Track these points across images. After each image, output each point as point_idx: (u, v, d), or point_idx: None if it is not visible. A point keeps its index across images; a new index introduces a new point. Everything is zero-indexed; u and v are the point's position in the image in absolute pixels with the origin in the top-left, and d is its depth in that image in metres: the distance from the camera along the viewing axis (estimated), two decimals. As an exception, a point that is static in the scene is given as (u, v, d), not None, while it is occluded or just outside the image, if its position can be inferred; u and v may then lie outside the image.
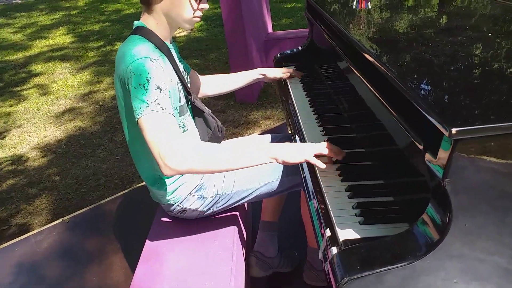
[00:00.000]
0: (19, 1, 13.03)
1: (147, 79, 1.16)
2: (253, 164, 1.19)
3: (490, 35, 1.18)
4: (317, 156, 1.19)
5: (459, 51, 1.07)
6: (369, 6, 1.73)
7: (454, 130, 0.70)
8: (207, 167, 1.16)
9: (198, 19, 1.33)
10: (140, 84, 1.16)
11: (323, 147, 1.20)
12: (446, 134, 0.71)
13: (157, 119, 1.15)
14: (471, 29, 1.26)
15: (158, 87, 1.17)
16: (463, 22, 1.37)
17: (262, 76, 1.83)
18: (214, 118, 1.56)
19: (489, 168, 0.75)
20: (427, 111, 0.77)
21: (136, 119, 1.16)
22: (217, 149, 1.19)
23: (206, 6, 1.33)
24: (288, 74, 1.89)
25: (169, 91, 1.24)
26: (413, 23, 1.42)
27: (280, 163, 1.20)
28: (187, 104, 1.45)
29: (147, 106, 1.15)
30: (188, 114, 1.44)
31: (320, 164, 1.17)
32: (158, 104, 1.16)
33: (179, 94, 1.35)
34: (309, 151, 1.19)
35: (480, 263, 0.82)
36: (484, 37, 1.18)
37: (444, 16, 1.51)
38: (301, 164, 1.31)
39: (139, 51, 1.20)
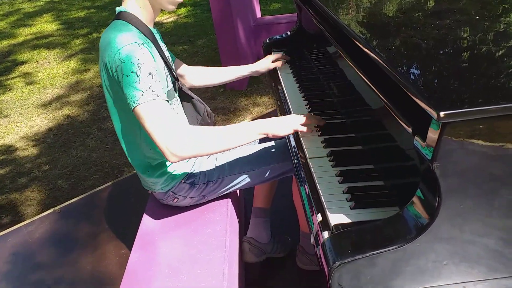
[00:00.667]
0: (0, -12, 12.67)
1: (138, 66, 1.15)
2: (248, 141, 1.25)
3: (478, 18, 1.19)
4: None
5: (447, 35, 1.07)
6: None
7: (442, 114, 0.70)
8: (208, 149, 1.22)
9: (180, 0, 1.32)
10: (132, 72, 1.15)
11: (305, 118, 1.30)
12: (435, 117, 0.71)
13: (154, 107, 1.15)
14: (459, 12, 1.26)
15: (150, 73, 1.16)
16: (451, 5, 1.37)
17: (253, 73, 1.80)
18: (203, 104, 1.55)
19: (478, 151, 0.76)
20: (415, 94, 0.78)
21: (132, 107, 1.16)
22: (214, 131, 1.23)
23: None
24: (280, 62, 1.86)
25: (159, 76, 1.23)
26: (401, 6, 1.41)
27: (271, 137, 1.28)
28: (175, 90, 1.44)
29: (142, 94, 1.14)
30: (176, 99, 1.43)
31: (307, 129, 1.29)
32: (152, 91, 1.16)
33: (166, 79, 1.34)
34: (295, 122, 1.29)
35: (470, 245, 0.84)
36: (472, 20, 1.18)
37: (433, 1, 1.51)
38: (292, 150, 1.32)
39: (125, 37, 1.18)
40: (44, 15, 7.70)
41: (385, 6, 1.44)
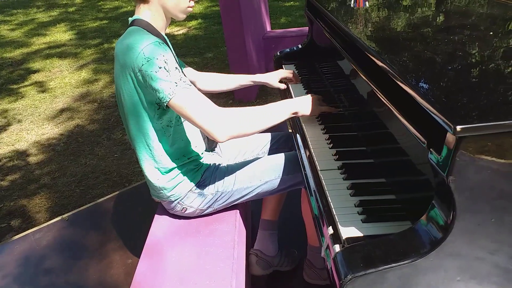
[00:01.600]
0: (17, -2, 12.96)
1: (165, 61, 1.19)
2: (281, 119, 1.35)
3: (490, 34, 1.19)
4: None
5: (460, 50, 1.07)
6: (367, 5, 1.73)
7: (458, 128, 0.70)
8: (249, 128, 1.29)
9: (191, 9, 1.38)
10: (160, 68, 1.18)
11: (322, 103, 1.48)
12: (451, 131, 0.71)
13: (191, 95, 1.22)
14: (470, 28, 1.26)
15: (176, 67, 1.22)
16: (462, 21, 1.37)
17: (263, 83, 1.81)
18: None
19: (494, 166, 0.75)
20: (431, 108, 0.77)
21: (168, 100, 1.20)
22: (251, 111, 1.31)
23: None
24: (291, 76, 1.85)
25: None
26: (413, 21, 1.42)
27: (300, 116, 1.44)
28: None
29: (176, 85, 1.19)
30: None
31: (332, 109, 1.48)
32: (183, 81, 1.22)
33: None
34: (319, 103, 1.46)
35: (482, 263, 0.82)
36: (484, 35, 1.18)
37: (442, 15, 1.52)
38: (302, 162, 1.31)
39: (145, 38, 1.22)
40: (58, 25, 7.85)
41: (397, 20, 1.45)
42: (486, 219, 0.79)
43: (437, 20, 1.45)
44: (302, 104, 1.41)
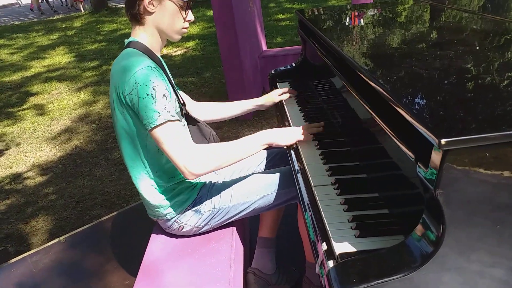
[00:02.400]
0: (16, 22, 13.18)
1: (153, 88, 1.21)
2: (255, 151, 1.38)
3: (478, 49, 1.21)
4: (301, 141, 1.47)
5: (449, 65, 1.10)
6: (362, 23, 1.77)
7: (443, 141, 0.71)
8: (222, 164, 1.30)
9: (186, 30, 1.41)
10: (148, 94, 1.20)
11: (303, 130, 1.46)
12: (436, 144, 0.72)
13: (171, 127, 1.23)
14: (460, 44, 1.29)
15: (163, 95, 1.23)
16: (452, 36, 1.40)
17: (259, 107, 1.83)
18: (208, 128, 1.59)
19: (482, 179, 0.76)
20: (417, 122, 0.79)
21: (149, 128, 1.22)
22: (225, 146, 1.33)
23: (192, 18, 1.41)
24: (286, 95, 1.87)
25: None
26: (403, 38, 1.45)
27: (274, 147, 1.43)
28: (182, 115, 1.47)
29: (159, 115, 1.21)
30: (183, 124, 1.46)
31: (305, 137, 1.45)
32: (168, 112, 1.22)
33: (176, 102, 1.38)
34: (296, 133, 1.45)
35: (477, 276, 0.82)
36: (473, 51, 1.21)
37: (434, 31, 1.55)
38: (297, 178, 1.32)
39: (138, 62, 1.24)
40: (57, 48, 7.96)
41: (387, 37, 1.48)
42: (481, 232, 0.79)
43: (426, 36, 1.48)
44: (275, 135, 1.41)
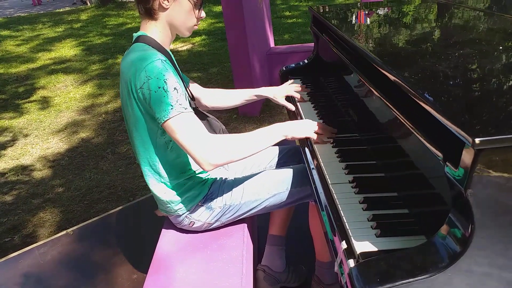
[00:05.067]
0: (22, 14, 13.18)
1: (164, 81, 1.19)
2: (271, 143, 1.35)
3: (502, 48, 1.19)
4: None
5: (472, 63, 1.08)
6: (376, 20, 1.75)
7: (477, 140, 0.69)
8: (238, 155, 1.28)
9: (197, 27, 1.41)
10: (159, 87, 1.19)
11: (318, 126, 1.43)
12: (469, 144, 0.70)
13: (185, 119, 1.21)
14: (480, 42, 1.27)
15: (175, 88, 1.21)
16: (470, 35, 1.38)
17: (266, 96, 1.79)
18: (218, 122, 1.58)
19: (512, 179, 0.74)
20: (448, 122, 0.77)
21: (162, 121, 1.21)
22: (241, 137, 1.31)
23: (204, 15, 1.41)
24: (298, 95, 1.82)
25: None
26: (422, 36, 1.43)
27: (290, 139, 1.39)
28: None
29: (172, 108, 1.19)
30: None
31: (318, 138, 1.42)
32: (180, 104, 1.21)
33: (185, 96, 1.36)
34: (311, 127, 1.42)
35: (503, 281, 0.81)
36: (495, 49, 1.19)
37: (454, 30, 1.53)
38: (312, 175, 1.31)
39: (149, 56, 1.23)
40: (64, 41, 7.95)
41: (404, 35, 1.46)
42: (507, 235, 0.78)
43: (445, 35, 1.46)
44: (291, 127, 1.39)
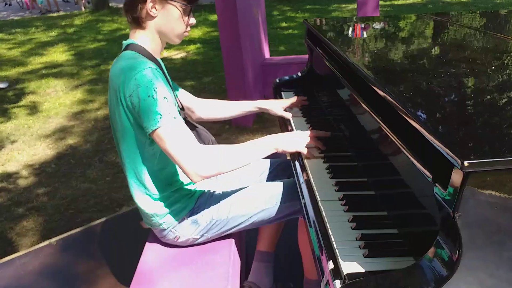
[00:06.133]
0: (15, 18, 13.10)
1: (154, 90, 1.17)
2: (261, 156, 1.33)
3: (495, 68, 1.19)
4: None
5: (464, 83, 1.07)
6: (371, 35, 1.75)
7: (466, 163, 0.68)
8: (228, 167, 1.26)
9: (187, 34, 1.38)
10: (149, 96, 1.16)
11: (309, 138, 1.40)
12: (458, 166, 0.69)
13: (174, 128, 1.19)
14: (472, 61, 1.27)
15: (164, 97, 1.19)
16: (463, 53, 1.38)
17: (260, 110, 1.78)
18: (207, 133, 1.55)
19: (504, 204, 0.73)
20: (438, 142, 0.75)
21: (151, 131, 1.18)
22: (231, 149, 1.28)
23: (194, 21, 1.38)
24: (289, 115, 1.77)
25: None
26: (416, 53, 1.43)
27: (280, 152, 1.37)
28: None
29: (161, 117, 1.17)
30: None
31: (312, 155, 1.39)
32: (169, 113, 1.18)
33: (175, 105, 1.34)
34: (302, 140, 1.39)
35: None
36: (488, 69, 1.18)
37: (443, 47, 1.53)
38: (301, 190, 1.28)
39: (139, 64, 1.21)
40: (56, 45, 7.90)
41: (398, 52, 1.46)
42: (499, 259, 0.76)
43: (439, 52, 1.45)
44: (282, 140, 1.37)
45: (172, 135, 1.18)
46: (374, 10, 4.07)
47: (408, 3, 10.65)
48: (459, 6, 9.60)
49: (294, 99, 1.83)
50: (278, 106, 1.79)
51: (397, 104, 0.93)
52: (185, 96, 1.68)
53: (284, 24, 8.58)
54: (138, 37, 1.32)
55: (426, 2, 10.52)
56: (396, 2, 10.79)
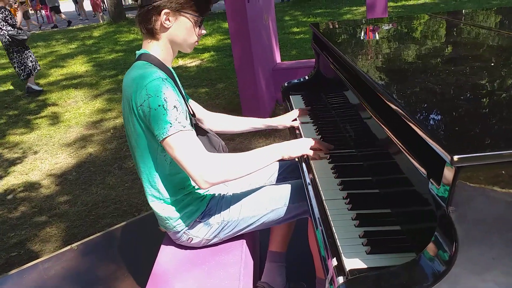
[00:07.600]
0: (36, 32, 13.52)
1: (164, 100, 1.22)
2: (267, 164, 1.38)
3: (493, 65, 1.20)
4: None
5: (464, 81, 1.09)
6: (376, 37, 1.77)
7: (456, 157, 0.70)
8: (235, 174, 1.30)
9: (197, 43, 1.44)
10: (159, 105, 1.21)
11: (314, 142, 1.46)
12: (449, 160, 0.71)
13: (183, 137, 1.23)
14: (475, 60, 1.28)
15: (174, 106, 1.23)
16: (467, 52, 1.39)
17: (268, 127, 1.83)
18: (218, 138, 1.59)
19: (496, 197, 0.74)
20: (429, 137, 0.78)
21: (161, 139, 1.23)
22: (238, 157, 1.32)
23: (204, 31, 1.44)
24: (296, 123, 1.82)
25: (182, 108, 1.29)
26: (418, 53, 1.44)
27: (287, 159, 1.41)
28: (191, 126, 1.48)
29: (171, 126, 1.21)
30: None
31: (313, 154, 1.44)
32: (179, 122, 1.23)
33: (186, 113, 1.39)
34: (306, 144, 1.45)
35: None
36: (488, 67, 1.19)
37: (449, 47, 1.54)
38: (308, 191, 1.31)
39: (149, 73, 1.25)
40: (76, 57, 8.13)
41: (400, 53, 1.48)
42: (496, 252, 0.78)
43: (441, 52, 1.47)
44: (287, 148, 1.41)
45: (181, 143, 1.23)
46: (383, 12, 4.07)
47: (420, 3, 10.54)
48: (472, 4, 9.43)
49: (297, 111, 1.86)
50: (285, 120, 1.83)
51: (392, 102, 0.95)
52: (195, 108, 1.73)
53: (295, 29, 8.61)
54: (151, 47, 1.38)
55: (438, 2, 10.38)
56: (407, 3, 10.68)
